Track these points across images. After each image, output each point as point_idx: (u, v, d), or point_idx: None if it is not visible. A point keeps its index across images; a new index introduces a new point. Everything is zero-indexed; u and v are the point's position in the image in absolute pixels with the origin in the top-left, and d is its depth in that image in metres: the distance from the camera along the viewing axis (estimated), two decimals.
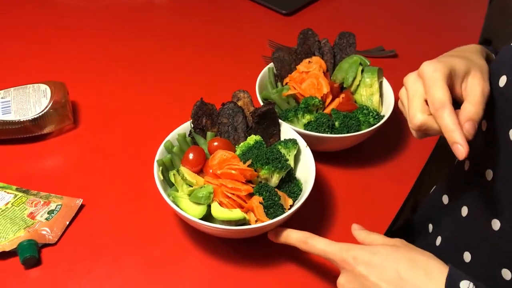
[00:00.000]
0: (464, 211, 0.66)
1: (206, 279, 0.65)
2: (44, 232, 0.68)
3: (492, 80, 0.58)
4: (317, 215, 0.73)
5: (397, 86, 0.89)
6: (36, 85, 0.83)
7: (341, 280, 0.55)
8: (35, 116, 0.79)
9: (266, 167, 0.65)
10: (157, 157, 0.68)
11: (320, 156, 0.78)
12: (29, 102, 0.80)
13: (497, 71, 0.58)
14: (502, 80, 0.57)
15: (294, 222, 0.65)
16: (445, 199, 0.71)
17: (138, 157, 0.80)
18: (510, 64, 0.57)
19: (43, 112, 0.80)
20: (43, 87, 0.83)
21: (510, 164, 0.57)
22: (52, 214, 0.70)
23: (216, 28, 1.12)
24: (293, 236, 0.60)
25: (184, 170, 0.66)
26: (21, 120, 0.79)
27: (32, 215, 0.69)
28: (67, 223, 0.70)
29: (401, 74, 1.02)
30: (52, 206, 0.71)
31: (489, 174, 0.60)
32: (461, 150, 0.50)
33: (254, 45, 1.07)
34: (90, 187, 0.76)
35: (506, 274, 0.59)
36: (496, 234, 0.60)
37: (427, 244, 0.73)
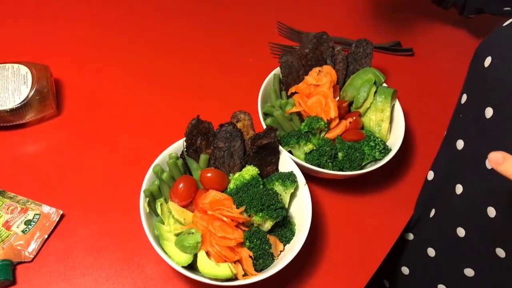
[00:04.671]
0: (430, 175, 0.73)
1: None
2: (20, 248, 0.64)
3: (479, 59, 0.60)
4: (305, 247, 0.70)
5: (409, 92, 0.83)
6: (15, 66, 0.75)
7: None
8: (14, 107, 0.72)
9: (260, 214, 0.61)
10: (144, 186, 0.63)
11: (316, 178, 0.74)
12: (7, 89, 0.72)
13: (484, 51, 0.60)
14: (487, 61, 0.59)
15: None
16: (431, 174, 0.75)
17: (124, 159, 0.75)
18: (496, 45, 0.58)
19: (23, 103, 0.73)
20: (24, 70, 0.74)
21: (480, 138, 0.62)
22: (30, 226, 0.66)
23: (218, 1, 1.00)
24: None
25: (172, 206, 0.62)
26: None
27: (7, 225, 0.66)
28: (46, 237, 0.67)
29: (416, 76, 0.95)
30: (30, 215, 0.67)
31: (460, 144, 0.65)
32: None
33: (261, 25, 0.97)
34: (71, 192, 0.72)
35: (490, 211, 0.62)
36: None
37: None
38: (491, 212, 0.61)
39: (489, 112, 0.59)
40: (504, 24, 0.59)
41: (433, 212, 0.73)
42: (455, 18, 1.06)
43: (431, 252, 0.74)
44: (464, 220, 0.67)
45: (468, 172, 0.65)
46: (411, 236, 0.78)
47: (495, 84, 0.59)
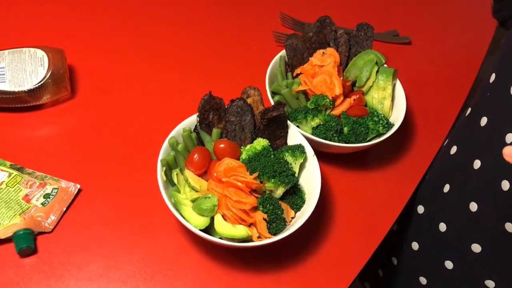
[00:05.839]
0: (453, 150, 0.77)
1: (201, 281, 0.66)
2: (40, 219, 0.67)
3: (510, 41, 0.66)
4: (315, 216, 0.72)
5: (408, 78, 0.86)
6: (32, 50, 0.78)
7: None
8: (32, 88, 0.75)
9: (272, 180, 0.64)
10: (160, 156, 0.66)
11: (323, 154, 0.77)
12: (25, 71, 0.75)
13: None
14: None
15: None
16: (446, 141, 0.81)
17: (138, 136, 0.78)
18: None
19: (40, 83, 0.75)
20: (40, 53, 0.77)
21: (504, 115, 0.65)
22: (48, 199, 0.68)
23: None
24: None
25: (188, 174, 0.65)
26: (16, 91, 0.75)
27: (27, 198, 0.68)
28: (64, 209, 0.69)
29: (413, 63, 0.99)
30: (48, 189, 0.69)
31: (484, 120, 0.69)
32: None
33: (264, 15, 1.01)
34: (87, 168, 0.74)
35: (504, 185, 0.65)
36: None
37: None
38: (505, 185, 0.64)
39: None
40: None
41: (447, 187, 0.75)
42: (448, 8, 1.11)
43: (442, 227, 0.76)
44: (478, 194, 0.70)
45: (488, 147, 0.68)
46: (421, 209, 0.81)
47: None
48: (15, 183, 0.69)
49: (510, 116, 0.64)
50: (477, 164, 0.69)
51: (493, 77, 0.69)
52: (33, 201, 0.68)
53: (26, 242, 0.64)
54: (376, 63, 0.80)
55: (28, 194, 0.68)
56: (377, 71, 0.80)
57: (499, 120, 0.67)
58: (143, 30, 0.94)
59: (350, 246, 0.71)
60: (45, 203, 0.68)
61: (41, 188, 0.69)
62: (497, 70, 0.69)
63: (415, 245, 0.83)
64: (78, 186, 0.71)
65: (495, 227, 0.68)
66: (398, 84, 0.81)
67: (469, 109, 0.76)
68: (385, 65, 0.82)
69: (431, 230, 0.79)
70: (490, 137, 0.67)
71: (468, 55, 1.01)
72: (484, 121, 0.69)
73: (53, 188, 0.70)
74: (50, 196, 0.69)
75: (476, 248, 0.71)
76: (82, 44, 0.89)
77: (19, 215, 0.66)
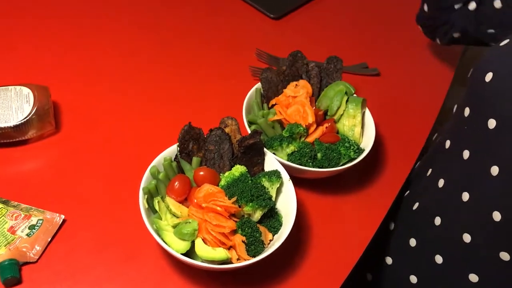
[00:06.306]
0: (441, 183, 0.78)
1: None
2: (25, 250, 0.68)
3: (479, 75, 0.68)
4: (292, 239, 0.75)
5: (377, 107, 0.92)
6: (18, 87, 0.81)
7: None
8: (17, 123, 0.78)
9: (250, 204, 0.67)
10: (142, 184, 0.69)
11: (298, 180, 0.80)
12: (11, 107, 0.78)
13: (484, 67, 0.68)
14: (488, 76, 0.67)
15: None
16: (429, 171, 0.84)
17: (120, 167, 0.81)
18: (495, 62, 0.67)
19: (25, 119, 0.78)
20: (26, 91, 0.81)
21: (485, 148, 0.69)
22: (34, 230, 0.70)
23: (204, 30, 1.10)
24: None
25: (169, 201, 0.68)
26: (2, 126, 0.77)
27: (12, 230, 0.70)
28: (49, 240, 0.71)
29: (382, 93, 1.05)
30: (33, 220, 0.71)
31: (466, 154, 0.72)
32: None
33: (242, 51, 1.06)
34: (71, 199, 0.76)
35: (496, 216, 0.68)
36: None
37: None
38: (497, 216, 0.67)
39: (492, 123, 0.67)
40: (501, 44, 0.69)
41: (438, 219, 0.78)
42: (415, 41, 1.18)
43: (438, 259, 0.78)
44: (470, 226, 0.72)
45: (474, 180, 0.71)
46: (414, 242, 0.83)
47: (497, 96, 0.66)
48: (0, 216, 0.71)
49: (492, 149, 0.68)
50: (465, 196, 0.72)
51: (467, 111, 0.72)
52: (18, 232, 0.70)
53: (11, 272, 0.65)
54: (346, 93, 0.85)
55: (14, 226, 0.70)
56: (347, 101, 0.85)
57: (481, 153, 0.70)
58: (124, 65, 0.99)
59: (326, 267, 0.74)
60: (30, 234, 0.70)
61: (26, 220, 0.71)
62: (471, 104, 0.72)
63: (413, 278, 0.84)
64: (63, 216, 0.73)
65: (490, 257, 0.70)
66: (368, 112, 0.86)
67: (448, 142, 0.78)
68: (355, 95, 0.87)
69: (427, 263, 0.80)
70: (475, 170, 0.71)
71: (434, 85, 1.08)
72: (466, 154, 0.72)
73: (38, 220, 0.72)
74: (35, 227, 0.71)
75: (473, 278, 0.73)
76: (65, 81, 0.93)
77: (4, 246, 0.68)
